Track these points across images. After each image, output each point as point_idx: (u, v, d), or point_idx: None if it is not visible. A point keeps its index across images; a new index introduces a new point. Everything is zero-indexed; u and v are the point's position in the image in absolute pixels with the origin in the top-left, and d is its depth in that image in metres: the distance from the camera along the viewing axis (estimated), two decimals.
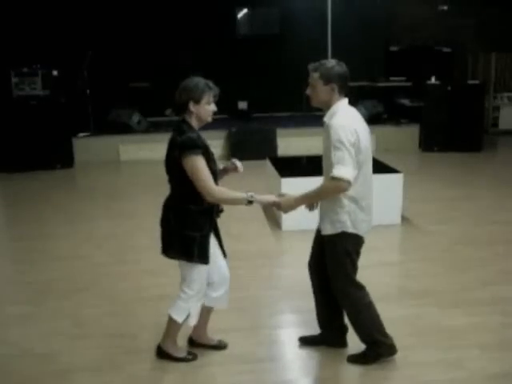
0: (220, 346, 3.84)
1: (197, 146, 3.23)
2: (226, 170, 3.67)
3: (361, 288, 3.55)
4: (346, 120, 3.26)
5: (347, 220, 3.35)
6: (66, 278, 5.17)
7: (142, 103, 11.63)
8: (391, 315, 4.28)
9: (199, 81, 3.31)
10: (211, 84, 3.34)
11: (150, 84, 12.09)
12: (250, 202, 3.31)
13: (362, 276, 5.01)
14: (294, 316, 4.35)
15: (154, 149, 10.77)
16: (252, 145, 10.30)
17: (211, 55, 12.01)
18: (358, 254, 3.51)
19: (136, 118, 11.29)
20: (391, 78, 12.52)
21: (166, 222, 3.46)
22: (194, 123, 3.35)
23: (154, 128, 11.60)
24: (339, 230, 3.37)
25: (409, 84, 12.27)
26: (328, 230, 3.42)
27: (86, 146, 10.77)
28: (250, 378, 3.53)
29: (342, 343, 3.79)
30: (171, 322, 3.60)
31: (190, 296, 3.49)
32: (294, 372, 3.64)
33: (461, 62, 13.10)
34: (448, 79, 11.40)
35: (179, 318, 3.54)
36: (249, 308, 4.46)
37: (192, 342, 3.86)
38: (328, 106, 3.34)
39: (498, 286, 4.81)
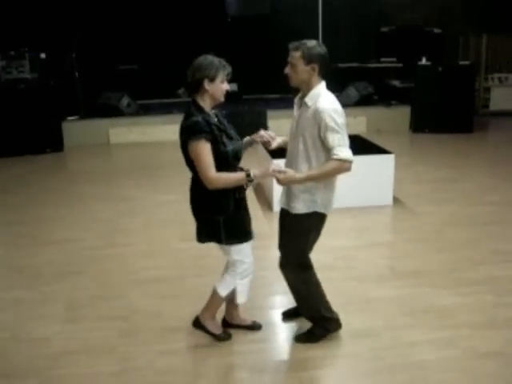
0: (254, 327, 3.86)
1: (201, 130, 3.14)
2: (250, 143, 3.61)
3: (311, 266, 3.63)
4: (334, 103, 3.29)
5: (320, 201, 3.41)
6: (57, 262, 5.15)
7: (132, 86, 11.52)
8: (383, 295, 4.33)
9: (213, 59, 3.24)
10: (224, 62, 3.27)
11: (139, 66, 11.99)
12: (251, 180, 3.27)
13: (353, 256, 5.07)
14: (287, 297, 4.34)
15: (144, 131, 10.74)
16: (243, 126, 10.20)
17: (200, 36, 11.89)
18: (319, 232, 3.56)
19: (125, 100, 11.19)
20: (382, 59, 12.46)
21: (193, 210, 3.45)
22: (207, 103, 3.27)
23: (144, 111, 11.53)
24: (311, 210, 3.42)
25: (399, 65, 12.22)
26: (300, 210, 3.44)
27: (75, 130, 10.67)
28: (243, 358, 3.55)
29: None
30: (214, 295, 3.62)
31: (237, 273, 3.52)
32: (287, 352, 3.66)
33: (452, 43, 13.04)
34: (439, 60, 11.35)
35: (223, 293, 3.56)
36: None
37: (226, 324, 3.86)
38: (308, 86, 3.32)
39: (489, 265, 4.84)
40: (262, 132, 3.59)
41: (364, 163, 6.24)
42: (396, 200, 6.62)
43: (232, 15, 12.48)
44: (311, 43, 3.28)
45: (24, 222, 6.34)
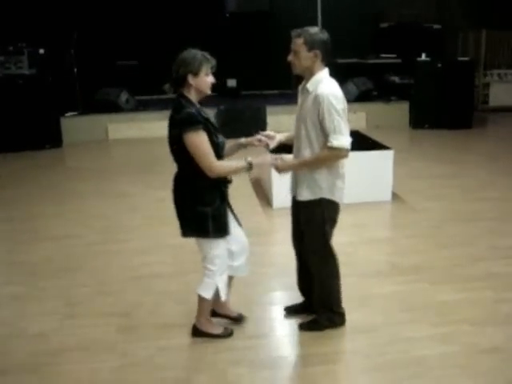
0: (239, 319, 3.87)
1: (196, 121, 3.18)
2: (243, 145, 3.62)
3: (335, 256, 3.64)
4: (334, 88, 3.31)
5: (326, 187, 3.41)
6: (56, 258, 5.14)
7: (130, 81, 11.51)
8: (382, 291, 4.33)
9: (196, 53, 3.26)
10: (208, 55, 3.30)
11: (138, 62, 11.97)
12: (250, 168, 3.32)
13: (353, 252, 5.06)
14: (286, 293, 4.35)
15: (142, 127, 10.73)
16: (241, 122, 10.23)
17: (199, 32, 11.87)
18: (334, 221, 3.58)
19: (124, 96, 11.18)
20: (381, 55, 12.46)
21: (177, 201, 3.45)
22: (193, 97, 3.30)
23: (143, 106, 11.51)
24: (317, 197, 3.43)
25: (399, 61, 12.21)
26: (305, 196, 3.45)
27: (74, 126, 10.65)
28: (242, 354, 3.54)
29: None
30: (201, 300, 3.62)
31: (214, 272, 3.51)
32: (286, 348, 3.66)
33: (451, 39, 13.04)
34: (438, 56, 11.36)
35: (208, 295, 3.56)
36: (240, 285, 4.45)
37: (213, 313, 3.86)
38: (311, 73, 3.34)
39: (488, 261, 4.84)
40: (260, 136, 3.59)
41: (363, 159, 6.25)
42: (395, 196, 6.61)
43: (231, 11, 12.45)
44: (313, 30, 3.29)
45: (22, 218, 6.33)
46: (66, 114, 10.78)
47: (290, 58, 3.35)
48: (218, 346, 3.64)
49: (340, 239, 5.33)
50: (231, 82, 12.09)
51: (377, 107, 11.49)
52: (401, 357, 3.46)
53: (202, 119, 3.22)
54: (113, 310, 4.12)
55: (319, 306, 3.75)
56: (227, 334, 3.72)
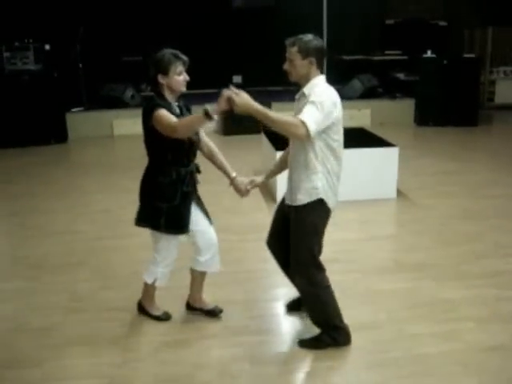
0: (215, 311, 3.92)
1: (157, 104, 3.31)
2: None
3: (322, 269, 3.46)
4: (329, 91, 3.26)
5: (321, 186, 3.32)
6: (61, 253, 5.16)
7: (136, 77, 11.50)
8: (387, 288, 4.32)
9: (166, 52, 3.39)
10: (179, 54, 3.39)
11: (144, 58, 11.96)
12: (208, 116, 3.08)
13: (357, 249, 5.07)
14: (289, 289, 4.33)
15: None
16: (247, 118, 10.19)
17: (205, 28, 11.87)
18: (323, 231, 3.44)
19: (129, 92, 11.17)
20: (386, 52, 12.42)
21: (140, 194, 3.66)
22: (167, 95, 3.43)
23: None
24: (314, 198, 3.33)
25: (404, 58, 12.17)
26: (303, 200, 3.36)
27: (79, 121, 10.67)
28: (243, 350, 3.55)
29: None
30: (144, 283, 3.84)
31: (158, 261, 3.69)
32: (289, 345, 3.65)
33: (457, 36, 12.98)
34: (444, 53, 11.31)
35: (148, 280, 3.77)
36: (243, 281, 4.47)
37: (189, 307, 3.99)
38: (306, 80, 3.33)
39: (493, 259, 4.83)
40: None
41: (368, 156, 6.26)
42: (400, 193, 6.60)
43: (237, 7, 12.43)
44: (307, 37, 3.27)
45: (27, 213, 6.34)
46: (72, 110, 10.80)
47: (286, 66, 3.35)
48: (220, 341, 3.65)
49: (344, 236, 5.37)
50: (237, 78, 12.10)
51: (382, 104, 11.46)
52: (404, 354, 3.46)
53: (167, 109, 3.34)
54: (116, 305, 4.14)
55: (316, 324, 3.58)
56: (163, 318, 3.88)
